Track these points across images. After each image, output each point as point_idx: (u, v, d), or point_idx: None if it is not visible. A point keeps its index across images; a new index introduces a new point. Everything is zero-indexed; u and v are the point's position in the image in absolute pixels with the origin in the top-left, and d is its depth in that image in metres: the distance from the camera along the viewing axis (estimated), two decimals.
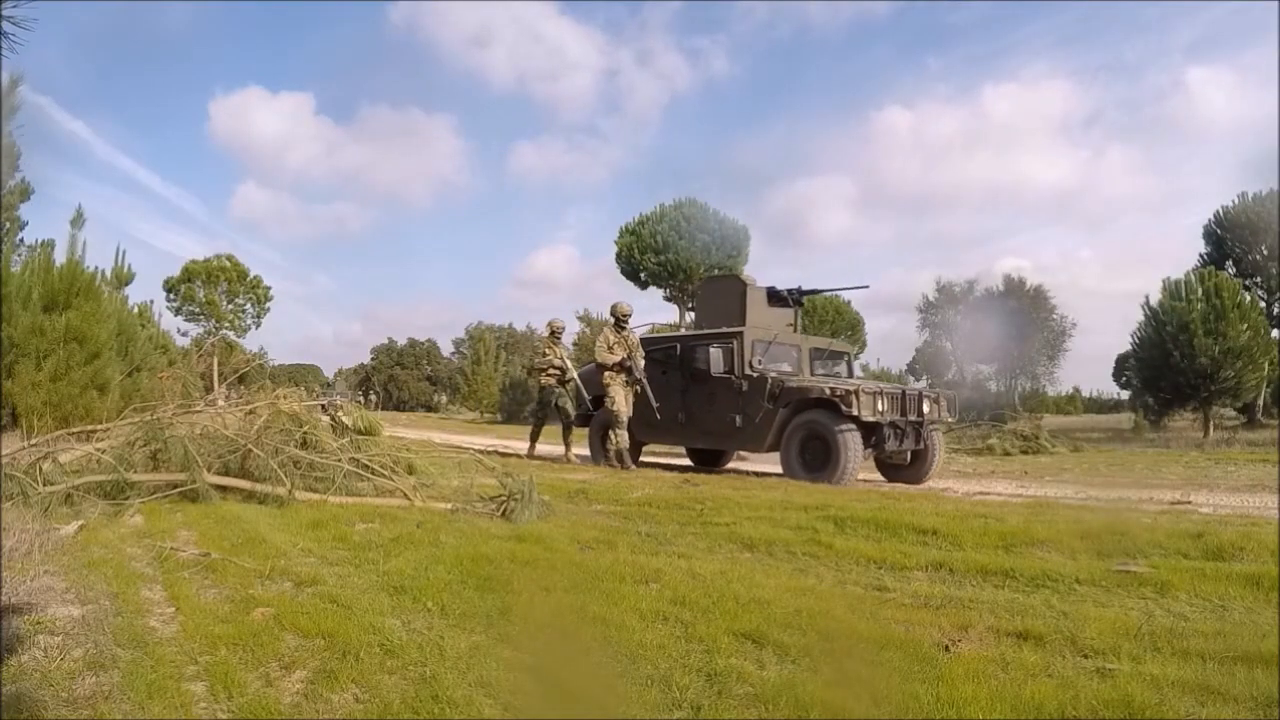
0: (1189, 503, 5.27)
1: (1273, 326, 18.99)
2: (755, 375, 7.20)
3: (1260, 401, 19.31)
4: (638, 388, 7.76)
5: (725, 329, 7.61)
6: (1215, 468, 8.65)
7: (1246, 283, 19.75)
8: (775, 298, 8.15)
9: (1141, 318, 17.90)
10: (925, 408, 6.99)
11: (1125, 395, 35.15)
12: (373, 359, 52.48)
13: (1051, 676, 1.97)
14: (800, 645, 2.19)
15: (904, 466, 7.35)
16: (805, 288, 8.38)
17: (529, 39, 77.21)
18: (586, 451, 8.81)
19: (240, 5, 71.98)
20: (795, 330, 8.26)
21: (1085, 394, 43.74)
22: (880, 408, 6.49)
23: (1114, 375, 38.72)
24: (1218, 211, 21.82)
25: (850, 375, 8.30)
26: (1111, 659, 2.09)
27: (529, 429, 9.59)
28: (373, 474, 5.06)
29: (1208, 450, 11.77)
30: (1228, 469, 8.45)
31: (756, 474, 7.27)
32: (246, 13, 72.59)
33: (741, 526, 4.01)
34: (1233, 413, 19.90)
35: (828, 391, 6.62)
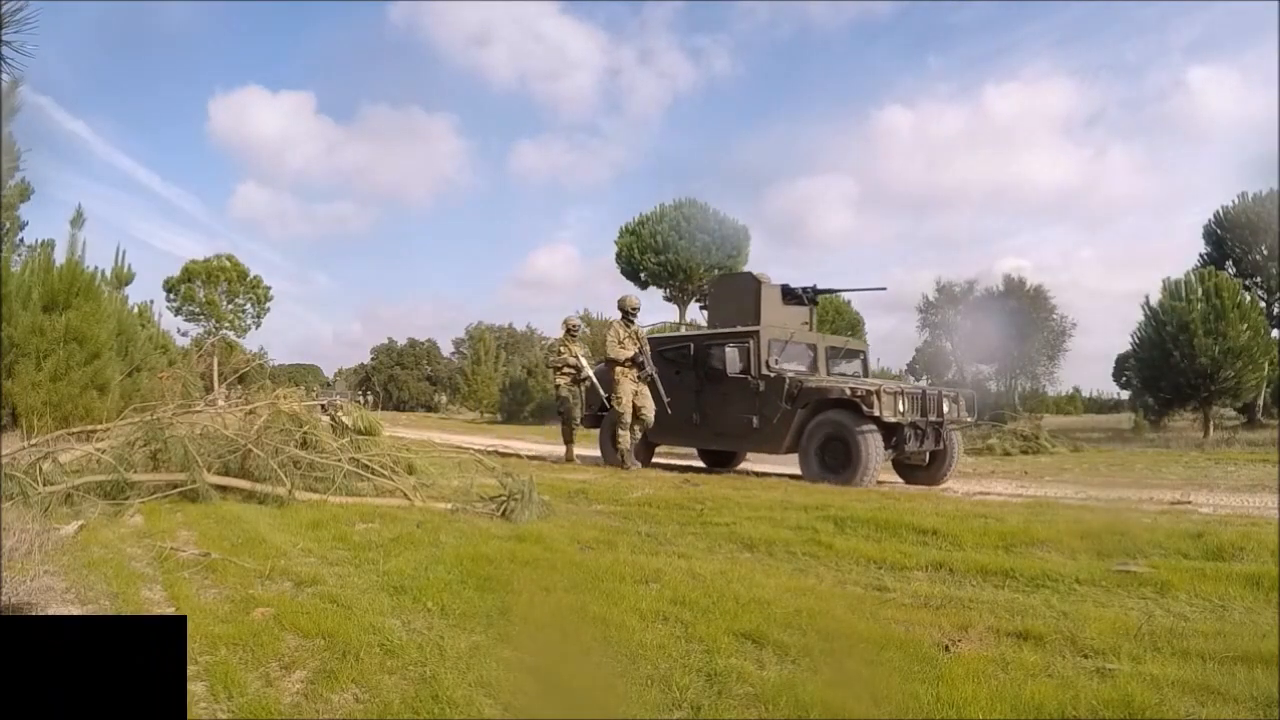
0: (1189, 503, 5.27)
1: (1273, 326, 19.00)
2: (772, 375, 7.07)
3: (1260, 401, 19.29)
4: (647, 382, 7.59)
5: (740, 328, 7.45)
6: (1215, 468, 8.65)
7: (1246, 283, 19.75)
8: (790, 296, 7.99)
9: (1141, 318, 17.92)
10: (945, 408, 6.91)
11: (1125, 395, 35.16)
12: (373, 359, 52.46)
13: (1051, 676, 1.97)
14: (800, 645, 2.19)
15: (921, 467, 7.25)
16: (820, 287, 8.20)
17: (529, 38, 77.04)
18: (587, 451, 8.81)
19: (240, 5, 71.97)
20: (810, 329, 8.13)
21: (1085, 394, 43.74)
22: (901, 408, 6.38)
23: (1114, 375, 38.74)
24: (1218, 211, 21.83)
25: (866, 374, 8.18)
26: (1111, 659, 2.09)
27: (530, 428, 9.43)
28: (373, 474, 5.06)
29: (1208, 450, 11.76)
30: (1228, 469, 8.44)
31: (757, 474, 7.26)
32: (246, 12, 72.58)
33: (741, 526, 4.01)
34: (1233, 413, 19.89)
35: (848, 392, 6.51)
